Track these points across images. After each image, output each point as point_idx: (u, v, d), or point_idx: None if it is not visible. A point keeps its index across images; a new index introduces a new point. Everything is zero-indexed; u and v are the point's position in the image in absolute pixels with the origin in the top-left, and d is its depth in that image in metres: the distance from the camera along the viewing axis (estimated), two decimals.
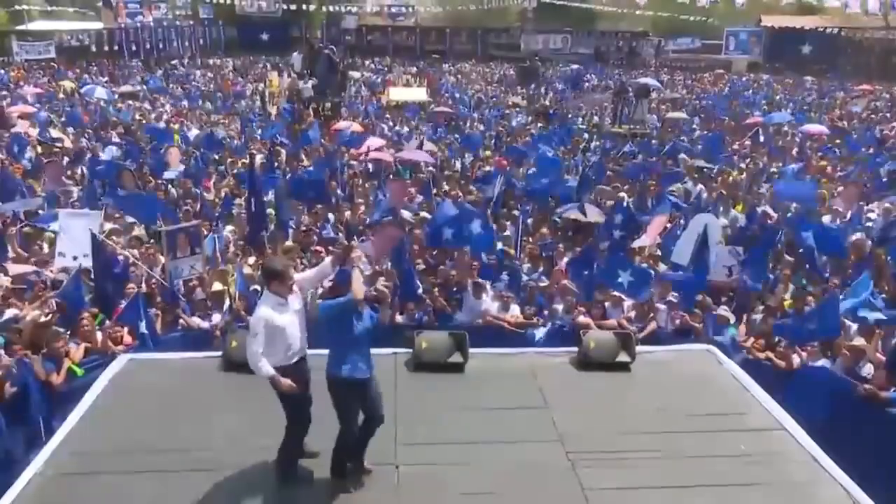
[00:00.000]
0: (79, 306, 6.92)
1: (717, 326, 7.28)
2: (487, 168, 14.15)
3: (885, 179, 13.52)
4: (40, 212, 10.28)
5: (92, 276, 7.42)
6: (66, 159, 14.03)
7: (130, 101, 23.10)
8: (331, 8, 46.54)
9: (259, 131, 18.14)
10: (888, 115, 24.82)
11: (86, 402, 5.23)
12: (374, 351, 5.91)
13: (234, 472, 4.47)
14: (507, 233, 9.85)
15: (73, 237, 7.81)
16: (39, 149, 14.98)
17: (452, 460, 4.62)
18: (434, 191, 11.71)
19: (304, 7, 43.59)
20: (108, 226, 9.47)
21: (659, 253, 9.25)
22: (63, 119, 19.15)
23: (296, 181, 11.72)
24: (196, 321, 7.36)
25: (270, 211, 10.54)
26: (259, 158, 14.45)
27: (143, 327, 6.83)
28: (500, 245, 9.35)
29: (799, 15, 43.18)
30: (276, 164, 13.95)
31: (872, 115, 24.51)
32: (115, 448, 4.70)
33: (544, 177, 12.34)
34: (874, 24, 40.39)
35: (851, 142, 15.62)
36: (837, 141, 18.28)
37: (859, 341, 6.51)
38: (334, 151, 15.15)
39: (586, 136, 19.04)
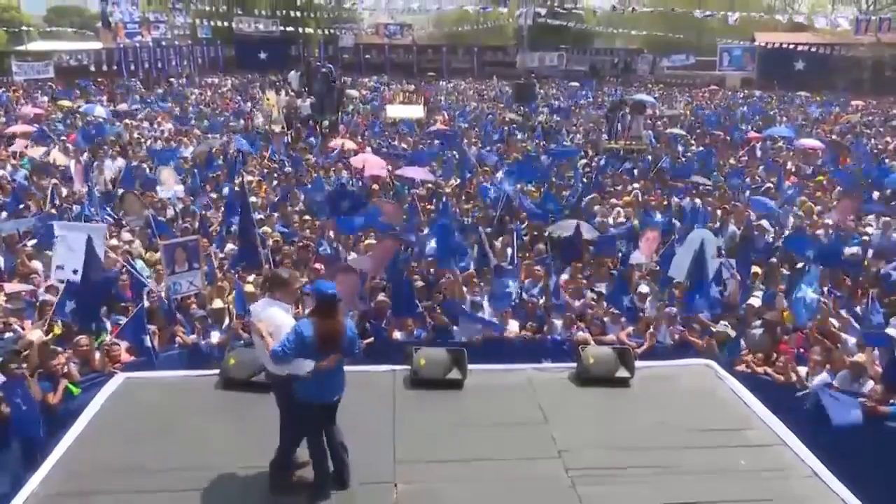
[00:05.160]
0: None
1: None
2: (486, 184, 14.20)
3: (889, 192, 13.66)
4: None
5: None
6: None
7: (128, 120, 23.19)
8: (327, 31, 47.04)
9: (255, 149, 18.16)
10: (881, 129, 25.02)
11: (82, 422, 5.18)
12: (372, 367, 5.97)
13: (231, 491, 4.43)
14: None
15: (73, 249, 7.76)
16: (24, 171, 15.04)
17: (451, 478, 4.58)
18: (430, 206, 11.78)
19: (300, 30, 44.06)
20: (113, 241, 9.51)
21: (658, 268, 9.27)
22: (63, 138, 19.21)
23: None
24: (193, 339, 7.34)
25: (267, 229, 10.58)
26: (256, 177, 14.56)
27: (147, 341, 6.84)
28: (494, 261, 9.39)
29: (792, 32, 43.71)
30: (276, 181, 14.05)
31: (867, 130, 24.68)
32: (111, 468, 4.64)
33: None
34: (866, 39, 40.83)
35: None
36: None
37: (859, 356, 6.51)
38: (331, 168, 15.26)
39: (583, 153, 19.15)
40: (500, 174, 14.78)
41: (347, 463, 4.44)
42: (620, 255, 9.79)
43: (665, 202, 12.77)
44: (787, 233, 10.94)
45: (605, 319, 7.83)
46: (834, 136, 22.26)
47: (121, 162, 15.91)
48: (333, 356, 4.19)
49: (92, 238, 7.57)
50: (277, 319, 4.26)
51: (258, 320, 4.27)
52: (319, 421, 4.33)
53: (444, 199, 12.20)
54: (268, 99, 23.79)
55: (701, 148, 19.75)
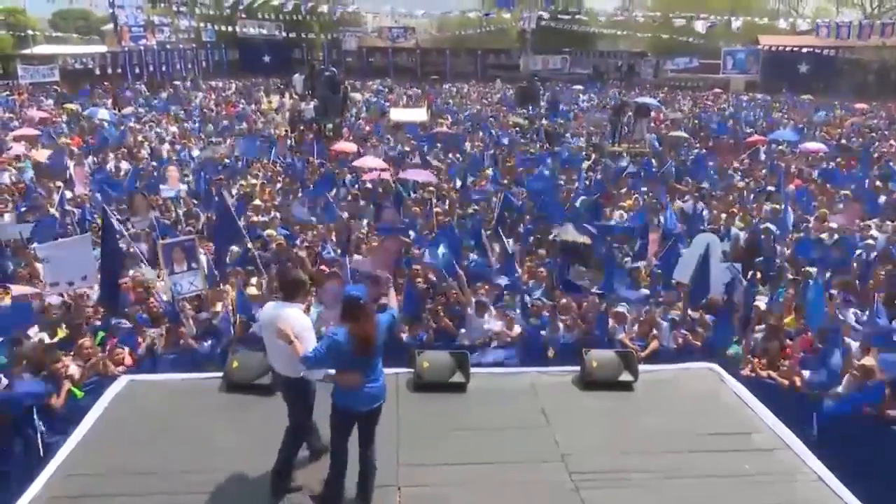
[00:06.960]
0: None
1: None
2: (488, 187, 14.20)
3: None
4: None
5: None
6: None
7: (133, 124, 23.24)
8: (331, 34, 47.11)
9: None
10: (886, 132, 24.92)
11: (85, 425, 5.19)
12: None
13: (235, 493, 4.43)
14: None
15: (64, 263, 7.80)
16: (31, 173, 15.09)
17: (454, 481, 4.58)
18: (436, 209, 11.77)
19: (304, 34, 44.15)
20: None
21: (659, 272, 9.24)
22: (67, 141, 19.25)
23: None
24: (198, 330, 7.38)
25: (271, 232, 10.58)
26: (260, 180, 14.60)
27: (141, 347, 6.85)
28: (496, 264, 9.36)
29: (796, 34, 43.59)
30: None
31: (872, 134, 24.59)
32: (114, 471, 4.65)
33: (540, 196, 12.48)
34: (871, 42, 40.72)
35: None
36: (838, 159, 18.35)
37: (867, 360, 6.47)
38: (335, 171, 15.29)
39: (584, 154, 19.13)
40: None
41: (372, 483, 4.37)
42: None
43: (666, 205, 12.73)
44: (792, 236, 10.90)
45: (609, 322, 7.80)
46: (842, 141, 22.15)
47: (125, 165, 15.97)
48: (356, 377, 4.15)
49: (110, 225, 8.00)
50: (298, 321, 4.29)
51: (281, 322, 4.20)
52: (350, 427, 4.29)
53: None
54: (270, 102, 23.84)
55: (704, 151, 19.70)
